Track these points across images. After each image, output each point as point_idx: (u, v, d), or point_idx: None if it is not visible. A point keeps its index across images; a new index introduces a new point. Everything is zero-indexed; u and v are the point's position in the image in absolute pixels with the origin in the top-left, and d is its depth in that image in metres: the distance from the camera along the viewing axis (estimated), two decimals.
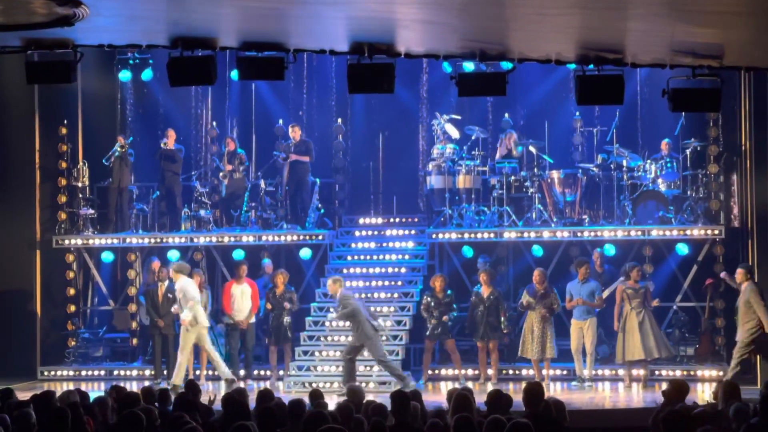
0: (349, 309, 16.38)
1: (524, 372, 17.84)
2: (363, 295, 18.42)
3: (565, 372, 17.72)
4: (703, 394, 16.06)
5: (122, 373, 18.92)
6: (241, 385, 16.23)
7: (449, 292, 17.65)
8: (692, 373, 17.43)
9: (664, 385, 15.60)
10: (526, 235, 18.62)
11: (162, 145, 19.75)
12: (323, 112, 20.91)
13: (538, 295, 17.15)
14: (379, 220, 20.29)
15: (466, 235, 18.76)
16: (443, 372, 18.17)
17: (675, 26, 11.43)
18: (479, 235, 18.71)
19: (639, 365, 17.08)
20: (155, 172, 20.38)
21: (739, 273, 16.53)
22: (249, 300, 17.93)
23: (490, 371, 17.60)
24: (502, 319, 17.50)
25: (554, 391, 16.79)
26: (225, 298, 18.09)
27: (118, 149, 19.56)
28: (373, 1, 11.26)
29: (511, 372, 18.03)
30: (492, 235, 18.66)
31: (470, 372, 17.91)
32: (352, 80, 12.84)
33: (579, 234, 18.51)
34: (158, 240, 19.46)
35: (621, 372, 17.38)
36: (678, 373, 17.28)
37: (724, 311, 18.08)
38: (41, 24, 11.60)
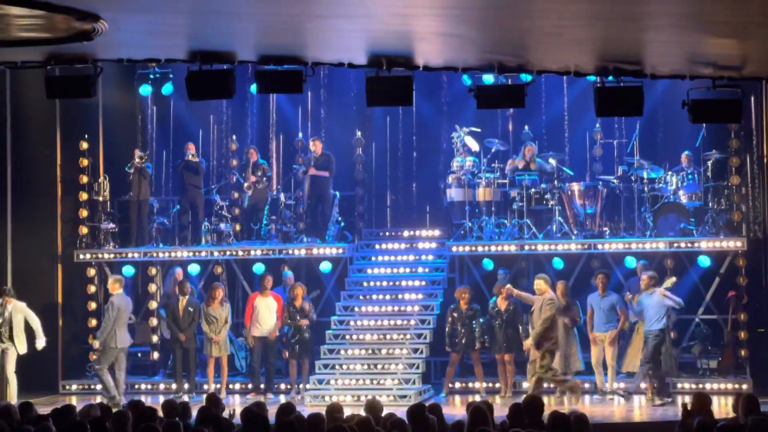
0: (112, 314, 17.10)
1: (545, 385, 17.71)
2: (384, 308, 18.40)
3: (586, 384, 17.61)
4: (727, 407, 15.93)
5: (143, 386, 18.94)
6: (262, 398, 16.24)
7: (473, 305, 17.62)
8: (715, 386, 17.31)
9: (687, 398, 15.63)
10: (546, 247, 18.56)
11: (190, 157, 19.75)
12: (343, 125, 20.91)
13: (561, 308, 17.08)
14: (400, 233, 20.24)
15: (487, 248, 18.71)
16: (465, 385, 18.11)
17: (694, 37, 11.40)
18: (499, 248, 18.66)
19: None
20: (176, 185, 20.43)
21: (539, 281, 16.31)
22: (274, 313, 17.94)
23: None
24: (521, 330, 17.43)
25: (575, 403, 16.70)
26: (248, 310, 18.11)
27: (137, 160, 19.62)
28: (392, 14, 11.26)
29: None
30: (512, 247, 18.61)
31: (491, 385, 17.84)
32: (370, 93, 12.87)
33: (599, 246, 18.43)
34: (179, 253, 19.48)
35: (643, 385, 17.26)
36: (700, 386, 17.18)
37: (747, 324, 17.94)
38: (61, 39, 11.67)
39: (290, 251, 19.22)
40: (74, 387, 19.05)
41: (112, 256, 19.61)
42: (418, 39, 12.30)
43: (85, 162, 19.90)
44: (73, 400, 17.62)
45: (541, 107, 20.01)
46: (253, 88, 18.35)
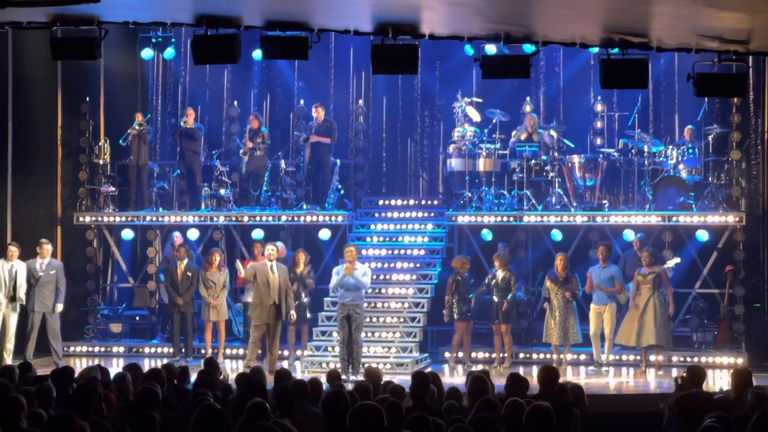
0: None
1: (541, 356, 17.83)
2: (382, 277, 18.42)
3: (583, 356, 17.71)
4: (722, 380, 16.03)
5: (141, 350, 19.01)
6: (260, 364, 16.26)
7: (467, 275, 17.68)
8: (710, 359, 17.40)
9: (680, 371, 15.71)
10: (545, 219, 18.59)
11: (182, 123, 19.79)
12: (344, 92, 20.88)
13: (560, 280, 17.11)
14: (399, 202, 20.23)
15: (486, 219, 18.74)
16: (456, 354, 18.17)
17: (701, 10, 11.38)
18: (498, 219, 18.69)
19: (652, 350, 17.06)
20: (175, 150, 20.42)
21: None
22: None
23: (504, 354, 17.60)
24: (510, 299, 17.48)
25: (572, 375, 16.81)
26: (239, 277, 18.11)
27: (136, 126, 19.60)
28: None
29: (529, 356, 18.00)
30: (511, 218, 18.63)
31: (487, 355, 17.92)
32: (375, 61, 12.85)
33: (598, 219, 18.47)
34: (178, 218, 19.49)
35: (639, 357, 17.36)
36: (696, 359, 17.27)
37: (744, 298, 18.02)
38: (68, 0, 11.60)
39: (289, 218, 19.24)
40: (72, 349, 19.08)
41: (111, 219, 19.63)
42: (424, 7, 12.27)
43: (85, 125, 19.89)
44: (71, 362, 17.70)
45: (543, 79, 19.94)
46: (256, 54, 18.35)
